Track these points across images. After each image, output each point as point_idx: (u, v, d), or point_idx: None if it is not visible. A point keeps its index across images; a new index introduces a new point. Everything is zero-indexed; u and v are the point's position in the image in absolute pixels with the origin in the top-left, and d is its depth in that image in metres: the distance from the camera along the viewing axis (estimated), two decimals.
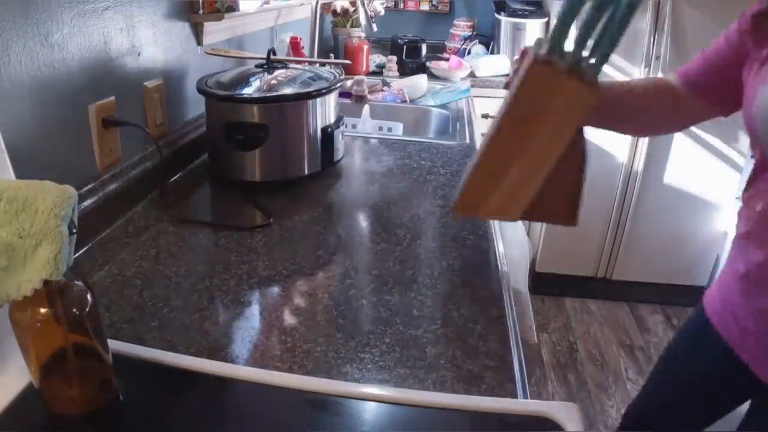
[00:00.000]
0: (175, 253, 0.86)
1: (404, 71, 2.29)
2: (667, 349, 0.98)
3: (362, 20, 2.08)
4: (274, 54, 1.18)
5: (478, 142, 1.48)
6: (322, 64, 1.56)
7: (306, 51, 1.96)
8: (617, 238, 2.27)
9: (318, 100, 1.11)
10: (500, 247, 0.91)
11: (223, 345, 0.66)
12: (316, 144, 1.13)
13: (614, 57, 2.05)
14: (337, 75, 1.18)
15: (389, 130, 1.71)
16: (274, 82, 1.12)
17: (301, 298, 0.76)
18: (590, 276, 2.37)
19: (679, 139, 2.10)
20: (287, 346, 0.66)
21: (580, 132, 0.75)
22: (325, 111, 1.13)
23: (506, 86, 0.75)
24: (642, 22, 2.00)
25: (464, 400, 0.57)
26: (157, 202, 1.02)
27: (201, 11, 1.19)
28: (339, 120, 1.19)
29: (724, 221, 2.17)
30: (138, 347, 0.62)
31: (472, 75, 2.36)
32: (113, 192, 0.93)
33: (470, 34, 2.63)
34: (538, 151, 0.67)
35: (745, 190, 0.78)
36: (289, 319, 0.71)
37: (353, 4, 2.31)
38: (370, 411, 0.56)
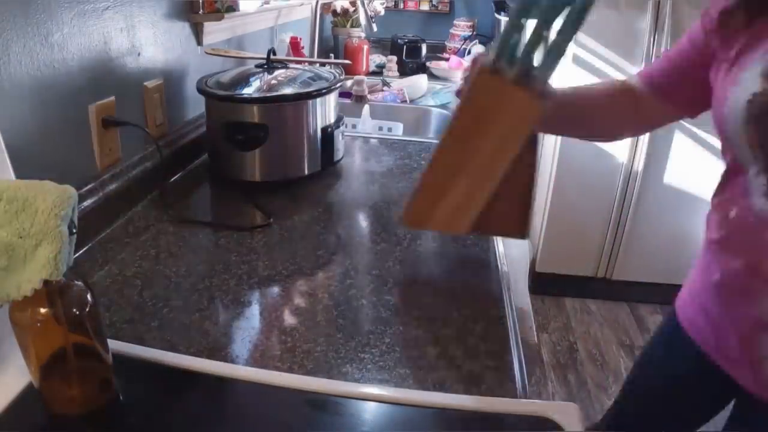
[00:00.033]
0: (175, 253, 0.86)
1: (404, 71, 2.29)
2: (642, 354, 0.97)
3: (362, 20, 2.08)
4: (274, 54, 1.18)
5: None
6: (322, 64, 1.56)
7: (306, 51, 1.96)
8: (617, 238, 2.27)
9: (318, 100, 1.10)
10: (500, 247, 0.91)
11: (223, 345, 0.66)
12: (316, 144, 1.13)
13: (614, 57, 2.05)
14: (337, 75, 1.18)
15: (389, 130, 1.71)
16: (274, 82, 1.12)
17: (301, 298, 0.76)
18: (590, 276, 2.37)
19: (679, 139, 2.10)
20: (287, 346, 0.66)
21: (533, 142, 0.74)
22: (325, 111, 1.13)
23: (458, 95, 0.73)
24: (642, 22, 2.00)
25: (464, 400, 0.57)
26: (157, 202, 1.02)
27: (201, 11, 1.19)
28: (339, 120, 1.19)
29: None
30: (138, 347, 0.62)
31: None
32: (113, 192, 0.93)
33: (470, 34, 2.63)
34: (485, 163, 0.66)
35: (716, 195, 0.76)
36: (289, 319, 0.71)
37: (353, 4, 2.31)
38: (370, 411, 0.57)
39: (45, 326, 0.49)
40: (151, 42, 1.05)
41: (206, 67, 1.25)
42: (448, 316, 0.72)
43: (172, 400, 0.56)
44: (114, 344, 0.56)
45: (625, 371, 2.01)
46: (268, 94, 1.09)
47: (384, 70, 2.28)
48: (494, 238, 0.93)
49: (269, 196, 1.06)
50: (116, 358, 0.54)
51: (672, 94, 0.78)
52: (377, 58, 2.41)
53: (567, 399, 1.86)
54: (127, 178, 0.97)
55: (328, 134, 1.13)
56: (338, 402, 0.57)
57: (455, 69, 2.30)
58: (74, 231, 0.48)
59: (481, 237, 0.90)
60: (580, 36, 2.03)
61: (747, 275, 0.67)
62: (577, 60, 2.06)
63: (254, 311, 0.74)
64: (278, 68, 1.16)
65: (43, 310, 0.48)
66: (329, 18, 2.39)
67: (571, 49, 2.05)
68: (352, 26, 2.34)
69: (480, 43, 2.59)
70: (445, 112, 1.83)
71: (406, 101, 1.92)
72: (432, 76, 2.24)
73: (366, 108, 1.72)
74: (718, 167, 0.78)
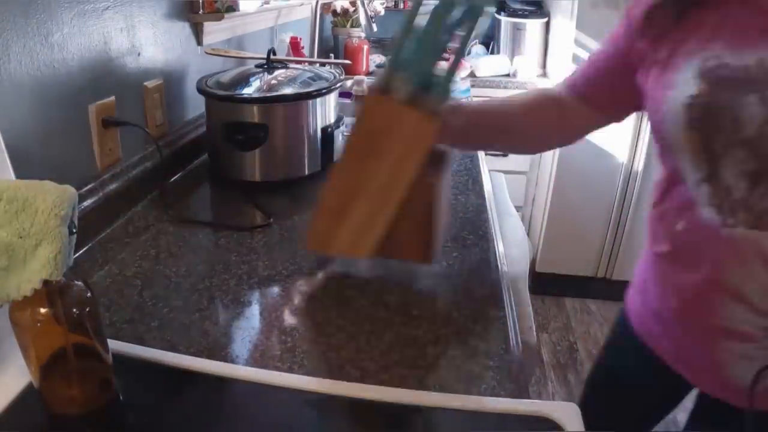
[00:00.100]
0: (175, 253, 0.86)
1: None
2: (598, 356, 0.95)
3: (362, 20, 2.08)
4: (274, 54, 1.18)
5: None
6: (322, 64, 1.56)
7: (306, 51, 1.96)
8: (617, 238, 2.27)
9: (318, 100, 1.10)
10: (500, 247, 0.91)
11: (223, 345, 0.66)
12: (316, 144, 1.13)
13: None
14: (337, 75, 1.18)
15: None
16: (274, 82, 1.12)
17: (301, 298, 0.76)
18: (590, 276, 2.37)
19: None
20: (287, 346, 0.66)
21: (440, 162, 0.71)
22: (325, 111, 1.13)
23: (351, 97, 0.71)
24: None
25: (464, 400, 0.57)
26: (157, 202, 1.02)
27: (201, 11, 1.19)
28: (339, 120, 1.19)
29: None
30: (138, 347, 0.62)
31: (472, 75, 2.36)
32: (113, 192, 0.93)
33: None
34: (383, 185, 0.64)
35: (656, 204, 0.72)
36: (289, 319, 0.71)
37: (353, 4, 2.31)
38: (370, 411, 0.56)
39: (45, 326, 0.49)
40: (151, 42, 1.05)
41: (206, 67, 1.25)
42: (448, 316, 0.72)
43: (172, 400, 0.56)
44: (114, 344, 0.56)
45: None
46: (268, 94, 1.09)
47: None
48: (494, 237, 0.93)
49: (269, 196, 1.06)
50: (116, 358, 0.54)
51: (596, 100, 0.75)
52: (377, 58, 2.41)
53: (567, 399, 1.86)
54: (127, 178, 0.97)
55: (328, 134, 1.13)
56: (338, 402, 0.57)
57: None
58: (74, 231, 0.48)
59: (385, 258, 0.79)
60: (580, 36, 2.03)
61: (708, 289, 0.63)
62: (576, 60, 2.06)
63: (254, 311, 0.74)
64: (278, 68, 1.16)
65: (43, 310, 0.48)
66: (329, 18, 2.39)
67: (571, 48, 2.05)
68: (352, 26, 2.34)
69: (480, 43, 2.59)
70: None
71: None
72: None
73: None
74: None
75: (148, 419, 0.54)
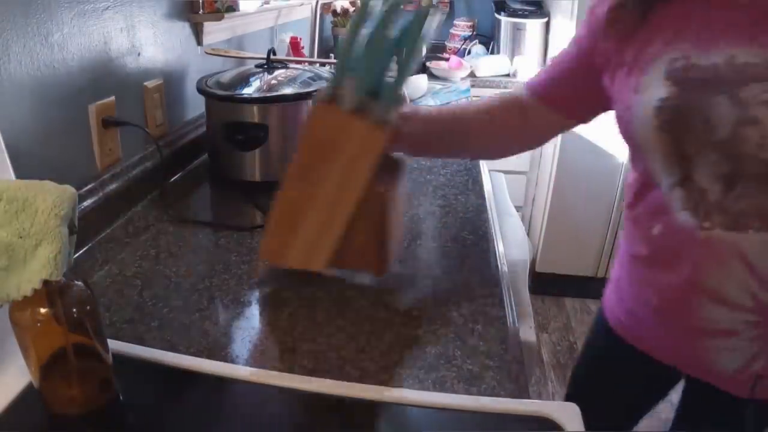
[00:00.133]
0: (175, 253, 0.86)
1: None
2: (580, 354, 0.94)
3: None
4: (274, 54, 1.18)
5: None
6: (322, 64, 1.56)
7: (306, 51, 1.95)
8: (617, 238, 2.28)
9: None
10: (500, 247, 0.91)
11: (223, 345, 0.66)
12: None
13: None
14: None
15: None
16: (274, 82, 1.12)
17: (301, 298, 0.76)
18: (590, 276, 2.37)
19: None
20: (287, 346, 0.66)
21: (395, 171, 0.69)
22: None
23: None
24: None
25: (464, 400, 0.57)
26: (157, 202, 1.02)
27: (201, 11, 1.19)
28: None
29: None
30: (138, 347, 0.62)
31: (472, 75, 2.36)
32: (113, 192, 0.93)
33: (470, 34, 2.63)
34: (332, 196, 0.63)
35: (630, 207, 0.70)
36: (289, 319, 0.71)
37: (353, 4, 2.31)
38: (369, 411, 0.56)
39: (45, 326, 0.49)
40: (151, 42, 1.05)
41: (206, 67, 1.25)
42: (448, 316, 0.72)
43: (172, 400, 0.56)
44: (114, 344, 0.56)
45: None
46: (268, 94, 1.08)
47: None
48: (494, 237, 0.93)
49: (269, 196, 1.06)
50: (116, 358, 0.54)
51: (560, 102, 0.73)
52: None
53: (567, 399, 1.86)
54: (127, 178, 0.97)
55: None
56: (338, 402, 0.57)
57: (455, 69, 2.30)
58: (74, 231, 0.48)
59: (341, 269, 0.79)
60: None
61: (688, 291, 0.63)
62: None
63: (254, 311, 0.74)
64: (278, 68, 1.16)
65: (43, 310, 0.48)
66: (329, 18, 2.39)
67: None
68: None
69: (480, 43, 2.59)
70: None
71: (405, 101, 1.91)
72: (432, 76, 2.24)
73: None
74: None
75: (148, 419, 0.54)
